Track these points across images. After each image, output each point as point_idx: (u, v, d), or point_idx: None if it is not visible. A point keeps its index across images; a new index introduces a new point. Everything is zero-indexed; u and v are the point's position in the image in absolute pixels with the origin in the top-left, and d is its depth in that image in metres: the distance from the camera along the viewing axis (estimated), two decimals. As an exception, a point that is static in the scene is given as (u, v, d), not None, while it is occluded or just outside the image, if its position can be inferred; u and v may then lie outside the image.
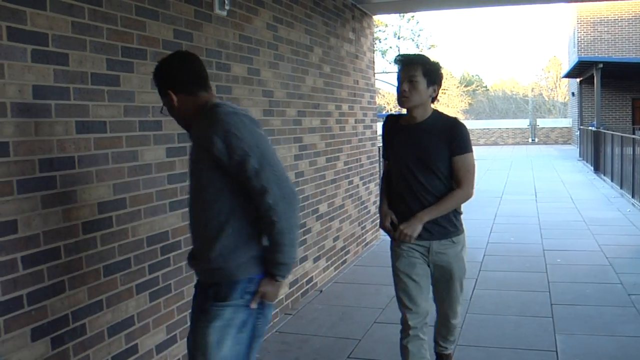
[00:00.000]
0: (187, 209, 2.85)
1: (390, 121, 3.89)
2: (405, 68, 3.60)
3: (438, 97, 3.72)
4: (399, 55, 3.73)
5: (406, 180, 3.71)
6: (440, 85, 3.67)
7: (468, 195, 3.68)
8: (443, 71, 3.79)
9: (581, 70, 26.91)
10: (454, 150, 3.60)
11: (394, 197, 3.82)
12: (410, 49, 42.36)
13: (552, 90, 64.98)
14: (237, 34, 5.06)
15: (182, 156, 4.21)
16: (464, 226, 3.86)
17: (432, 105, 3.73)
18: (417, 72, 3.56)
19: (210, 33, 4.63)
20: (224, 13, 4.80)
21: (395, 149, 3.79)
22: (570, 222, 10.63)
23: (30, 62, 2.97)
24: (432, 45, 44.98)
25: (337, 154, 7.47)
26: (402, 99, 3.62)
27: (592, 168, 19.96)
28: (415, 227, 3.62)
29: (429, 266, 3.79)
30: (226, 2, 4.77)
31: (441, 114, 3.75)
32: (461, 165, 3.62)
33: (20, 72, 2.92)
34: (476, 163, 3.76)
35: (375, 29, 15.23)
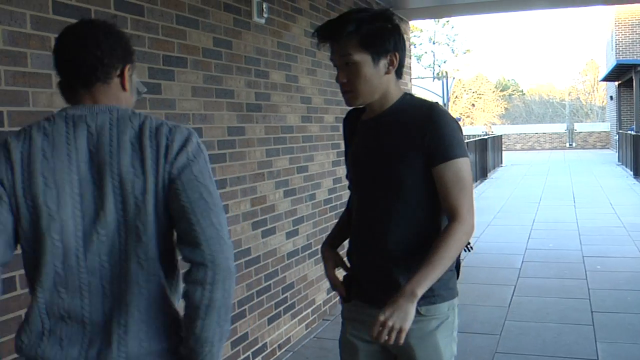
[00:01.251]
0: (226, 215, 2.84)
1: (351, 117, 2.54)
2: (333, 48, 2.28)
3: (403, 70, 2.36)
4: (315, 30, 2.36)
5: (362, 208, 2.41)
6: (399, 49, 2.26)
7: (469, 229, 2.21)
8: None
9: (619, 73, 26.56)
10: (434, 156, 2.19)
11: (351, 235, 2.53)
12: (445, 54, 42.12)
13: (589, 94, 64.18)
14: (276, 41, 5.10)
15: (221, 163, 4.26)
16: (456, 288, 2.39)
17: (401, 85, 2.39)
18: (351, 47, 2.21)
19: (249, 41, 4.67)
20: (262, 21, 4.84)
21: (350, 158, 2.50)
22: (610, 228, 10.47)
23: (76, 72, 3.03)
24: (467, 50, 44.76)
25: (374, 160, 7.46)
26: (345, 96, 2.30)
27: (632, 173, 19.63)
28: (406, 315, 2.07)
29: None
30: (264, 10, 4.81)
31: (414, 98, 2.37)
32: (449, 180, 2.18)
33: (66, 81, 2.98)
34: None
35: (411, 35, 15.21)
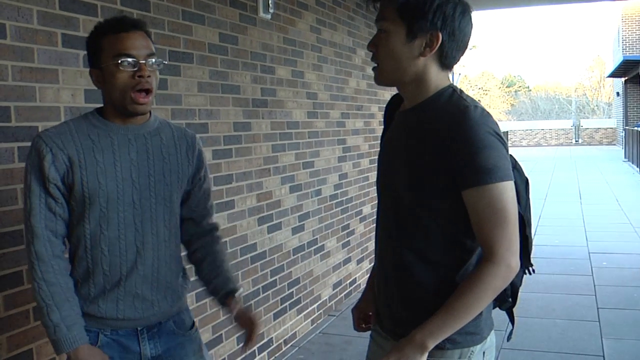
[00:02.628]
0: (232, 211, 2.85)
1: (391, 106, 2.15)
2: (380, 7, 1.90)
3: (452, 61, 1.89)
4: None
5: (383, 224, 2.03)
6: (445, 30, 1.82)
7: (506, 272, 1.78)
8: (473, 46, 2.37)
9: (626, 69, 26.47)
10: (463, 177, 1.77)
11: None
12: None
13: (595, 90, 64.01)
14: (281, 36, 5.09)
15: (227, 158, 4.26)
16: (481, 332, 1.93)
17: (446, 76, 1.90)
18: (387, 11, 1.86)
19: (254, 36, 4.67)
20: (268, 16, 4.83)
21: (379, 156, 2.14)
22: (616, 225, 10.45)
23: (82, 67, 3.03)
24: (473, 46, 44.60)
25: (380, 156, 7.45)
26: (374, 71, 1.96)
27: (638, 169, 19.59)
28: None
29: None
30: (270, 5, 4.81)
31: (454, 94, 1.87)
32: (481, 210, 1.77)
33: (73, 77, 2.99)
34: (518, 179, 1.93)
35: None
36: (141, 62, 2.04)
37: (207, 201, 2.43)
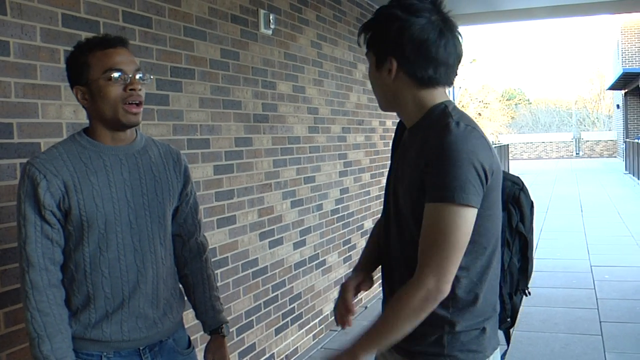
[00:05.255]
0: (233, 226, 2.85)
1: (401, 123, 2.12)
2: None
3: (429, 78, 1.86)
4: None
5: (385, 233, 2.06)
6: (397, 53, 1.85)
7: (427, 295, 1.73)
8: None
9: (626, 81, 26.55)
10: (427, 191, 1.77)
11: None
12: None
13: (596, 102, 64.06)
14: (283, 52, 5.11)
15: (229, 174, 4.27)
16: (484, 350, 1.90)
17: (429, 93, 1.89)
18: (367, 44, 1.96)
19: (256, 52, 4.69)
20: (269, 32, 4.86)
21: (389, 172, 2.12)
22: (618, 237, 10.44)
23: (85, 84, 3.04)
24: (473, 60, 44.73)
25: (382, 170, 7.46)
26: None
27: (639, 182, 19.59)
28: None
29: None
30: (271, 21, 4.83)
31: (444, 110, 1.87)
32: (425, 224, 1.77)
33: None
34: (524, 201, 2.02)
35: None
36: (131, 75, 2.08)
37: (195, 216, 2.43)
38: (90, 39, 2.16)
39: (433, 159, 1.74)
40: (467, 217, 1.74)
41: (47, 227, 2.02)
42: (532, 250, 2.02)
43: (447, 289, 1.74)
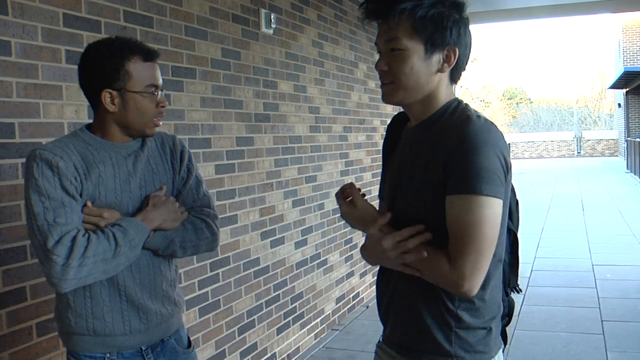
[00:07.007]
0: (235, 225, 2.83)
1: (395, 125, 2.10)
2: (381, 29, 1.84)
3: (461, 74, 1.90)
4: (363, 2, 1.85)
5: None
6: (460, 44, 1.82)
7: (456, 284, 1.69)
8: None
9: (627, 80, 26.53)
10: (450, 183, 1.71)
11: None
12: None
13: (597, 101, 64.03)
14: (284, 51, 5.11)
15: (230, 173, 4.27)
16: (490, 351, 1.88)
17: (452, 89, 1.90)
18: (401, 29, 1.77)
19: (257, 51, 4.69)
20: (271, 31, 4.86)
21: (385, 174, 2.13)
22: (620, 236, 10.43)
23: (86, 83, 3.04)
24: (474, 59, 44.73)
25: (382, 169, 7.45)
26: (384, 88, 1.90)
27: (641, 181, 19.59)
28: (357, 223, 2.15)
29: None
30: (272, 20, 4.83)
31: (459, 106, 1.85)
32: (455, 217, 1.70)
33: (77, 93, 2.99)
34: (513, 178, 1.84)
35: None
36: (162, 92, 2.16)
37: (199, 190, 2.36)
38: (127, 43, 2.11)
39: (456, 151, 1.68)
40: (495, 209, 1.69)
41: (72, 200, 2.00)
42: (518, 246, 1.98)
43: (474, 292, 1.71)
